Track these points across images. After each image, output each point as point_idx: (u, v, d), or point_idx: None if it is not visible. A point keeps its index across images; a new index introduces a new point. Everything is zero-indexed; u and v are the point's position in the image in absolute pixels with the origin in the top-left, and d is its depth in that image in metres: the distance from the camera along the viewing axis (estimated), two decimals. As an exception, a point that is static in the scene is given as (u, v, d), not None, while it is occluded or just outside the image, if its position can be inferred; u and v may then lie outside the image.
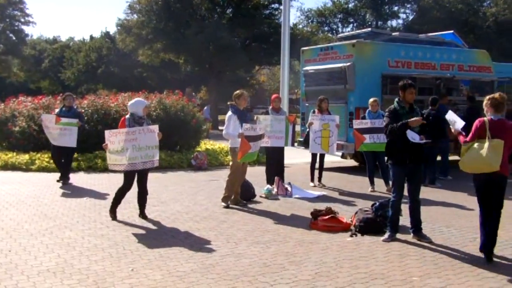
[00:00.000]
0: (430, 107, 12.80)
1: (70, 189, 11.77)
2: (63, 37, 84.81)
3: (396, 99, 7.71)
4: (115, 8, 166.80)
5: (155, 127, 8.69)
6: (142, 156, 8.49)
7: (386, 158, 12.20)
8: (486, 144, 6.44)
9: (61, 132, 12.01)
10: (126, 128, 8.56)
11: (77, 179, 12.72)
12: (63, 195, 10.99)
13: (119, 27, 43.34)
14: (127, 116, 8.79)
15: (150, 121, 9.26)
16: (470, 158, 6.58)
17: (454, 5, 42.80)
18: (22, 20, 55.70)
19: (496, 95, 6.70)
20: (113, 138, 8.47)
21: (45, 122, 12.13)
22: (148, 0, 38.80)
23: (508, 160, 6.66)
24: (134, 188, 11.47)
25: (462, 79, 16.45)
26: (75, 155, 13.68)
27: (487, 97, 6.75)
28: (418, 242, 7.37)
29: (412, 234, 7.61)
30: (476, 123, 6.69)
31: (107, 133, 8.58)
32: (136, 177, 8.80)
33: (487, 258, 6.56)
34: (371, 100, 11.77)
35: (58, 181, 12.25)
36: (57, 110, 12.64)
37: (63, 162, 12.49)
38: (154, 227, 8.19)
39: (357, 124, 11.66)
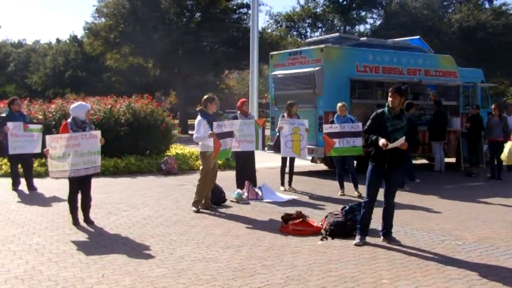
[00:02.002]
0: None
1: (37, 194, 11.61)
2: (29, 41, 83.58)
3: (387, 103, 7.67)
4: (83, 12, 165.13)
5: (98, 133, 8.56)
6: (85, 162, 8.33)
7: (355, 161, 12.46)
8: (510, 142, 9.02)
9: (29, 139, 11.80)
10: (68, 133, 8.37)
11: (45, 184, 12.55)
12: (31, 200, 10.83)
13: (86, 31, 42.91)
14: (69, 120, 8.63)
15: (92, 125, 9.11)
16: (505, 153, 9.00)
17: (420, 11, 43.49)
18: (-14, 23, 54.84)
19: None
20: (55, 144, 8.23)
21: (12, 131, 11.54)
22: (116, 3, 38.53)
23: None
24: (104, 193, 11.41)
25: (428, 84, 16.72)
26: (42, 160, 13.53)
27: None
28: (388, 245, 7.45)
29: (382, 237, 7.69)
30: None
31: (48, 138, 8.34)
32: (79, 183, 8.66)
33: None
34: (340, 104, 11.82)
35: (13, 189, 12.00)
36: (3, 115, 12.24)
37: (28, 169, 12.26)
38: (124, 232, 8.11)
39: (326, 128, 11.66)
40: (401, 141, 7.25)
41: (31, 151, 11.86)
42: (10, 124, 11.56)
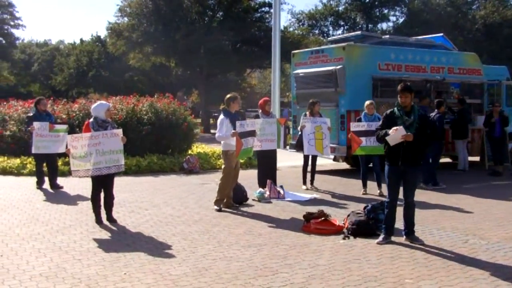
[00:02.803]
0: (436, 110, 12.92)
1: (61, 193, 11.74)
2: (53, 41, 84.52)
3: (397, 102, 7.70)
4: (106, 12, 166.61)
5: (119, 131, 8.59)
6: (106, 160, 8.39)
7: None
8: None
9: (54, 139, 11.92)
10: (89, 133, 8.46)
11: (68, 183, 12.68)
12: (55, 199, 10.96)
13: (109, 31, 43.24)
14: (91, 120, 8.70)
15: (115, 124, 9.13)
16: None
17: (443, 8, 43.09)
18: (12, 23, 55.65)
19: None
20: (76, 143, 8.34)
21: (38, 131, 11.67)
22: (139, 3, 38.76)
23: None
24: (127, 192, 11.49)
25: (452, 82, 16.54)
26: (66, 159, 13.67)
27: None
28: (410, 245, 7.39)
29: (404, 237, 7.63)
30: None
31: (69, 138, 8.50)
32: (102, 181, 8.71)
33: None
34: (367, 102, 11.72)
35: (38, 188, 12.13)
36: (30, 114, 12.42)
37: (52, 168, 12.40)
38: (146, 231, 8.16)
39: (354, 126, 11.56)
40: (401, 131, 7.25)
41: (55, 151, 11.99)
42: (36, 124, 11.72)
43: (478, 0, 46.57)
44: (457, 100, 15.80)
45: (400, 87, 7.62)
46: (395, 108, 7.61)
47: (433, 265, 6.48)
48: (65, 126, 12.44)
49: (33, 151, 11.83)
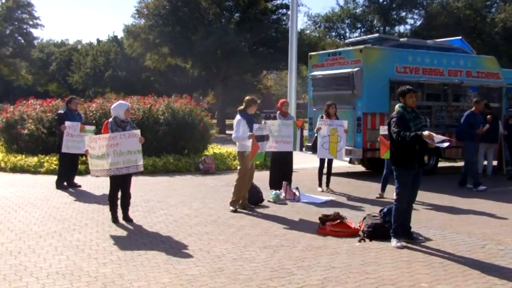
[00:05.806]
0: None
1: (78, 192, 11.81)
2: (71, 40, 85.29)
3: (401, 105, 7.72)
4: (123, 12, 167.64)
5: (137, 132, 8.62)
6: (124, 161, 8.43)
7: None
8: None
9: (83, 140, 11.94)
10: (106, 134, 8.52)
11: (85, 182, 12.76)
12: (72, 197, 11.04)
13: (126, 32, 43.39)
14: (110, 120, 8.75)
15: (134, 124, 9.16)
16: None
17: (462, 11, 42.68)
18: (31, 23, 56.24)
19: None
20: (93, 144, 8.44)
21: (69, 130, 11.69)
22: (156, 4, 38.91)
23: None
24: (143, 192, 11.54)
25: (470, 85, 16.41)
26: (83, 158, 13.75)
27: None
28: (427, 249, 7.35)
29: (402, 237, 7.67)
30: None
31: (87, 139, 8.60)
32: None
33: None
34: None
35: (58, 188, 12.07)
36: (61, 112, 12.35)
37: (73, 167, 12.44)
38: (162, 231, 8.19)
39: (383, 130, 11.47)
40: (431, 133, 7.27)
41: (81, 151, 11.99)
42: (67, 123, 11.72)
43: (497, 3, 46.12)
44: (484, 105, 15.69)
45: (407, 89, 7.71)
46: (402, 111, 7.65)
47: (449, 269, 6.43)
48: (93, 128, 12.35)
49: (63, 150, 11.76)
